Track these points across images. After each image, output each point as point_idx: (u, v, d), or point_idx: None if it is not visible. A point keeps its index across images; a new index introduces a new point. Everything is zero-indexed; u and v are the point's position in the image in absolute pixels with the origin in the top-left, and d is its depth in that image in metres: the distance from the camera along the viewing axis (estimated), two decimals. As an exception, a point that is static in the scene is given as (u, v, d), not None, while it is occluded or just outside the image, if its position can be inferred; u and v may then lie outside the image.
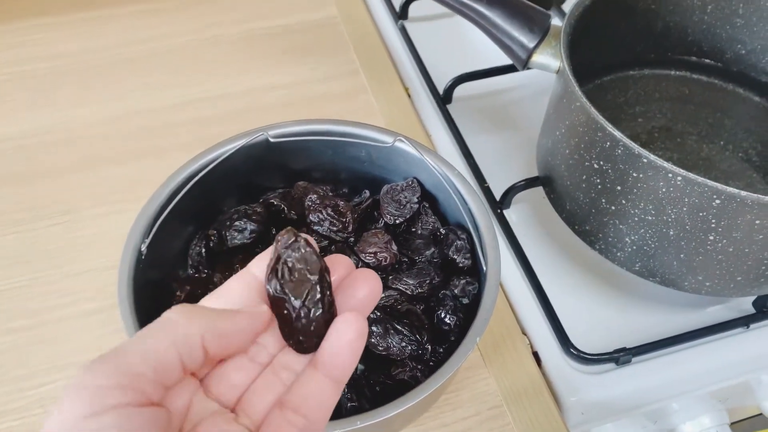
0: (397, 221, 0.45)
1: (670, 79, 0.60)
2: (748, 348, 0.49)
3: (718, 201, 0.39)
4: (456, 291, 0.42)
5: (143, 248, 0.39)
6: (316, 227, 0.43)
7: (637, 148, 0.40)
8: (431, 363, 0.40)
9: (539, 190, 0.54)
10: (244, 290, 0.26)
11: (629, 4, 0.54)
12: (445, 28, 0.70)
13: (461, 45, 0.68)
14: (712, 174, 0.54)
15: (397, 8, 0.70)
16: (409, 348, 0.39)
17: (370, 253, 0.42)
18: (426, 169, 0.44)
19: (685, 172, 0.38)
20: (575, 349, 0.46)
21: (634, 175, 0.41)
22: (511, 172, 0.57)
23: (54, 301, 0.48)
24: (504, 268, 0.51)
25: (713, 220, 0.40)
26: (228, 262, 0.43)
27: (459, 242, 0.43)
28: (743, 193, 0.37)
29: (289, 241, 0.25)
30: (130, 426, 0.20)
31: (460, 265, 0.43)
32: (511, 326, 0.49)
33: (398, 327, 0.39)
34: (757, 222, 0.39)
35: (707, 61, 0.59)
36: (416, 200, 0.45)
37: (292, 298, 0.25)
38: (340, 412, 0.37)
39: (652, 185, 0.41)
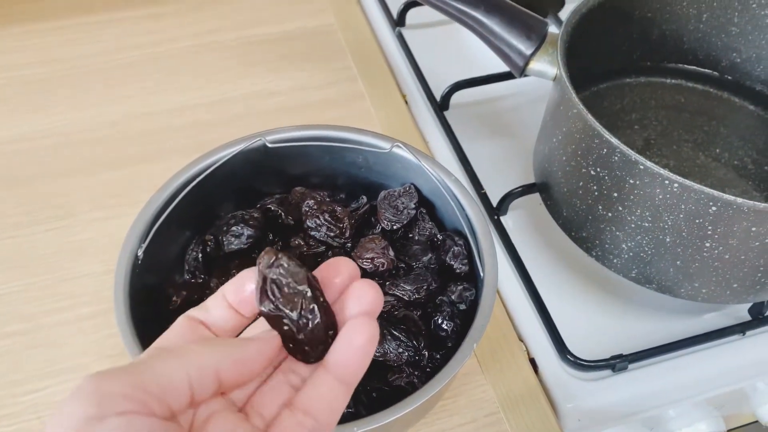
0: (395, 227, 0.45)
1: (666, 87, 0.60)
2: (744, 355, 0.49)
3: (714, 208, 0.39)
4: (453, 297, 0.42)
5: (140, 253, 0.39)
6: (313, 233, 0.43)
7: (633, 155, 0.40)
8: (428, 369, 0.39)
9: (536, 197, 0.54)
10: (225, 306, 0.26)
11: (626, 12, 0.54)
12: (442, 35, 0.70)
13: (458, 52, 0.68)
14: (707, 181, 0.55)
15: (395, 15, 0.70)
16: (406, 354, 0.39)
17: (367, 258, 0.42)
18: (423, 175, 0.44)
19: (682, 179, 0.39)
20: (572, 355, 0.46)
21: (631, 182, 0.41)
22: (508, 178, 0.57)
23: (50, 305, 0.48)
24: (501, 275, 0.51)
25: (709, 227, 0.40)
26: (225, 267, 0.43)
27: (456, 248, 0.43)
28: (739, 200, 0.37)
29: (271, 261, 0.25)
30: None
31: (458, 271, 0.43)
32: (507, 333, 0.49)
33: (395, 333, 0.39)
34: (753, 229, 0.39)
35: (703, 69, 0.59)
36: (413, 206, 0.45)
37: (288, 312, 0.25)
38: (336, 418, 0.37)
39: (649, 192, 0.41)
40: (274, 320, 0.26)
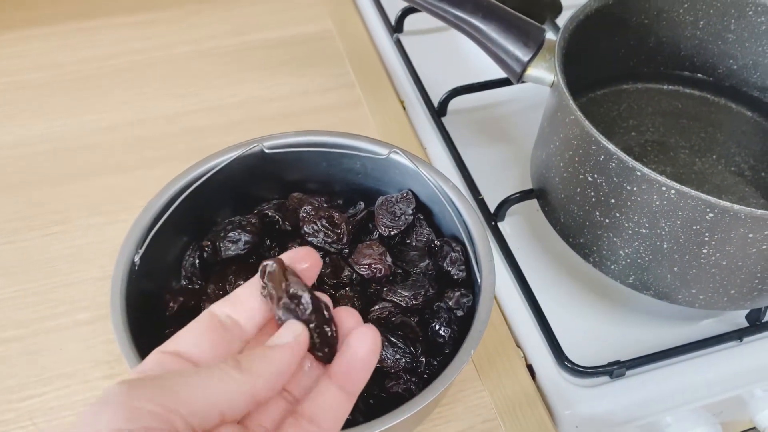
0: (392, 233, 0.45)
1: (663, 93, 0.60)
2: (742, 361, 0.49)
3: (711, 214, 0.39)
4: (450, 303, 0.42)
5: (137, 259, 0.39)
6: (310, 239, 0.43)
7: (631, 161, 0.40)
8: (425, 375, 0.39)
9: (533, 203, 0.54)
10: (255, 297, 0.27)
11: (623, 19, 0.54)
12: (440, 41, 0.70)
13: (456, 58, 0.69)
14: (704, 188, 0.55)
15: (393, 21, 0.70)
16: (403, 360, 0.38)
17: (365, 264, 0.42)
18: (421, 181, 0.44)
19: (679, 185, 0.39)
20: (569, 362, 0.46)
21: (628, 188, 0.41)
22: (505, 184, 0.57)
23: (46, 311, 0.48)
24: (498, 281, 0.51)
25: (707, 234, 0.40)
26: (222, 273, 0.43)
27: (453, 254, 0.43)
28: (736, 206, 0.38)
29: (271, 271, 0.26)
30: None
31: (455, 277, 0.43)
32: (505, 339, 0.49)
33: (392, 339, 0.39)
34: (750, 236, 0.39)
35: (699, 75, 0.59)
36: (411, 212, 0.45)
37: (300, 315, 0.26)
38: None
39: (646, 198, 0.41)
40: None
